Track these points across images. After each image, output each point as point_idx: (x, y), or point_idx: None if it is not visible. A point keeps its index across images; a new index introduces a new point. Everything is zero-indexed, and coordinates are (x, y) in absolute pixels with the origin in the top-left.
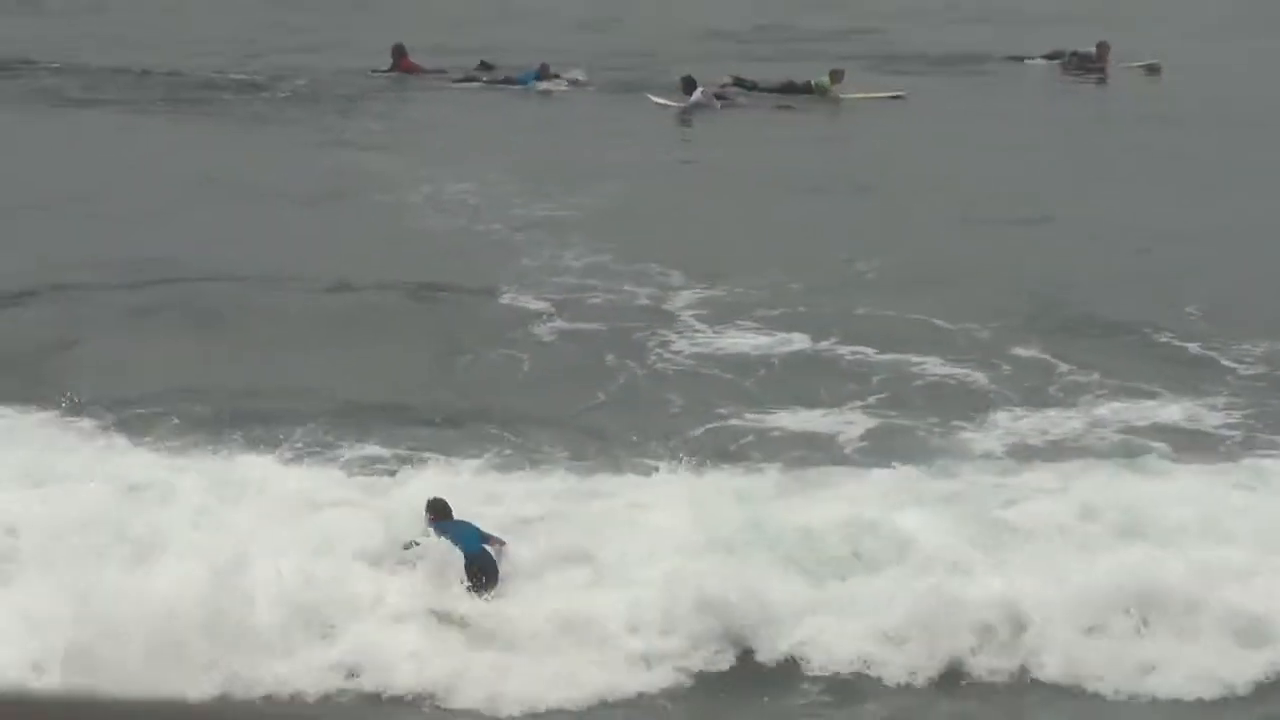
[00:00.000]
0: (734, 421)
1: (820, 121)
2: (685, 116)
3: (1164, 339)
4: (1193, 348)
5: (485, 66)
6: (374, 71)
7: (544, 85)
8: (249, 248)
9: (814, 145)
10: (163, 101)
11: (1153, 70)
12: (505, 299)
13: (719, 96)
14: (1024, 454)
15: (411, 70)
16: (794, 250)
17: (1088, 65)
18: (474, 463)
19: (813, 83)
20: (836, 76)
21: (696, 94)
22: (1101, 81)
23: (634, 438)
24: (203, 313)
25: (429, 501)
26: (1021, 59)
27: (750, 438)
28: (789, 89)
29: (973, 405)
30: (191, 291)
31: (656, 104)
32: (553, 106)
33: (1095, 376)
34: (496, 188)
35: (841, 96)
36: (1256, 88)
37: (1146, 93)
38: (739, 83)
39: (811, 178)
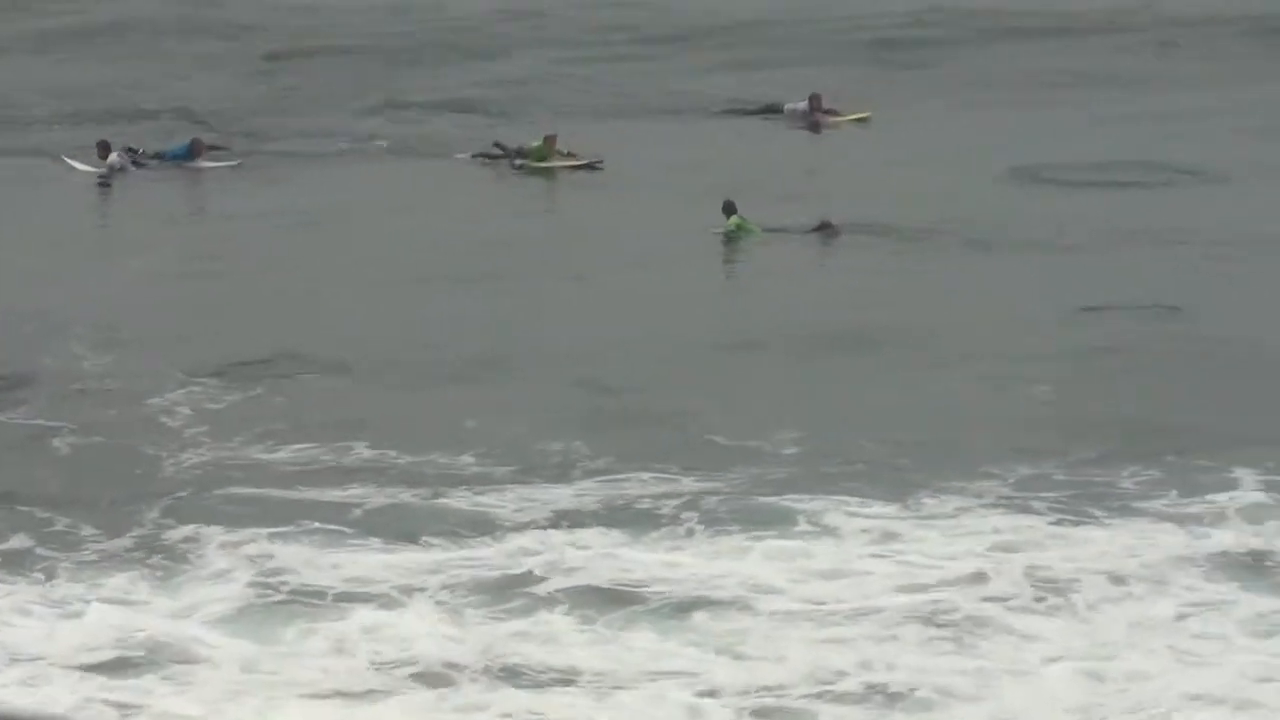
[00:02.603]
0: None
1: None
2: (104, 181)
3: None
4: None
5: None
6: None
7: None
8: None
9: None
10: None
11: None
12: None
13: (134, 162)
14: None
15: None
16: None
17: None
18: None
19: (527, 147)
20: (550, 142)
21: (112, 157)
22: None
23: None
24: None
25: None
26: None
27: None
28: (519, 153)
29: None
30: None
31: (72, 167)
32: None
33: None
34: None
35: (553, 162)
36: None
37: None
38: (498, 145)
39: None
